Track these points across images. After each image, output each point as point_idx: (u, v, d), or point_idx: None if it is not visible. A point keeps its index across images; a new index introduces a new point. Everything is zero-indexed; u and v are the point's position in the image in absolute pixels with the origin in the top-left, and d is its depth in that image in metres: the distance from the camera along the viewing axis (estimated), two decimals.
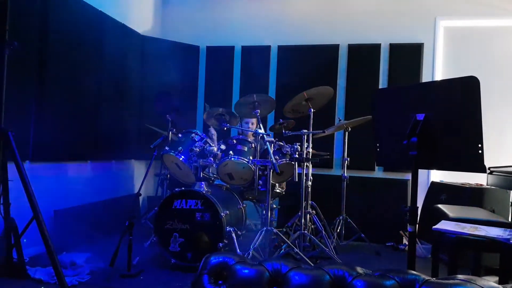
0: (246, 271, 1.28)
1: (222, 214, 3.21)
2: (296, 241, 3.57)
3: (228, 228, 3.26)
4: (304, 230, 3.63)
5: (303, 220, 3.65)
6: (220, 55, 5.45)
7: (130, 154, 4.97)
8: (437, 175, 4.74)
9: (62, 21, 3.69)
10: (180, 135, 3.83)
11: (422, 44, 4.87)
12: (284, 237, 3.44)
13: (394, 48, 4.93)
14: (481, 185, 4.01)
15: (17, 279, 2.78)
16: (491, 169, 4.11)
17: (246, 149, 3.67)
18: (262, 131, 3.61)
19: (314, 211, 3.93)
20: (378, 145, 2.23)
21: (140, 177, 5.09)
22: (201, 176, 3.49)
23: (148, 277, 3.05)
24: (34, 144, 3.43)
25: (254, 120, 4.24)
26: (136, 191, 4.82)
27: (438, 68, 4.90)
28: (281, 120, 4.01)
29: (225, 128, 3.80)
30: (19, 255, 2.77)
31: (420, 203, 4.11)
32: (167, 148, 3.69)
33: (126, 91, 4.77)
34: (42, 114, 3.50)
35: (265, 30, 5.35)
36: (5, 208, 2.64)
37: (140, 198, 4.34)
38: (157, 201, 3.96)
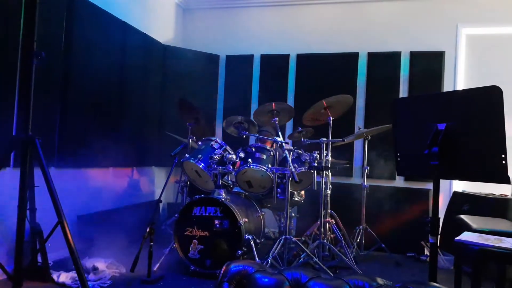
0: (266, 279, 1.29)
1: (241, 221, 3.22)
2: (315, 250, 3.55)
3: (247, 236, 3.26)
4: (323, 239, 3.61)
5: (322, 229, 3.63)
6: (239, 64, 5.50)
7: (151, 161, 5.05)
8: (460, 185, 4.64)
9: (87, 32, 3.80)
10: (200, 143, 3.88)
11: (444, 52, 4.81)
12: (303, 246, 3.43)
13: (415, 56, 4.88)
14: (506, 195, 3.91)
15: (41, 282, 2.85)
16: None
17: (264, 157, 3.69)
18: (280, 139, 3.62)
19: (333, 220, 3.90)
20: (398, 154, 2.21)
21: (160, 184, 5.17)
22: (220, 183, 3.52)
23: (168, 283, 3.09)
24: (59, 151, 3.53)
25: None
26: (156, 197, 4.88)
27: (460, 76, 4.82)
28: (299, 128, 4.01)
29: (244, 136, 3.84)
30: (44, 259, 2.84)
31: (442, 213, 4.04)
32: (187, 155, 3.74)
33: (147, 99, 4.86)
34: (66, 122, 3.60)
35: (284, 38, 5.38)
36: (31, 213, 2.71)
37: (161, 204, 4.40)
38: (177, 208, 4.01)
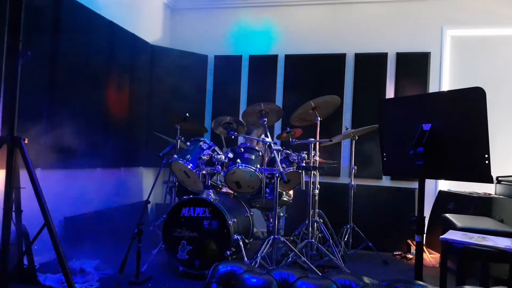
0: (254, 280, 1.30)
1: (229, 222, 3.23)
2: (304, 250, 3.57)
3: (235, 236, 3.27)
4: (311, 239, 3.63)
5: (310, 229, 3.65)
6: (228, 64, 5.50)
7: (139, 161, 5.02)
8: (445, 184, 4.72)
9: (74, 31, 3.76)
10: (188, 143, 3.88)
11: (429, 53, 4.88)
12: (291, 246, 3.44)
13: (401, 57, 4.95)
14: (490, 194, 3.99)
15: (27, 285, 2.81)
16: (499, 178, 4.10)
17: (253, 157, 3.70)
18: (269, 139, 3.64)
19: (321, 220, 3.93)
20: (384, 154, 2.24)
21: (148, 184, 5.15)
22: (209, 184, 3.52)
23: (157, 284, 3.07)
24: (45, 151, 3.48)
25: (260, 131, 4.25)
26: (144, 198, 4.86)
27: (445, 77, 4.90)
28: (288, 129, 4.03)
29: (232, 137, 3.84)
30: (30, 262, 2.81)
31: (427, 212, 4.10)
32: (175, 156, 3.73)
33: (135, 99, 4.83)
34: (53, 122, 3.55)
35: (272, 39, 5.39)
36: (17, 215, 2.68)
37: (149, 205, 4.38)
38: (166, 209, 3.99)
